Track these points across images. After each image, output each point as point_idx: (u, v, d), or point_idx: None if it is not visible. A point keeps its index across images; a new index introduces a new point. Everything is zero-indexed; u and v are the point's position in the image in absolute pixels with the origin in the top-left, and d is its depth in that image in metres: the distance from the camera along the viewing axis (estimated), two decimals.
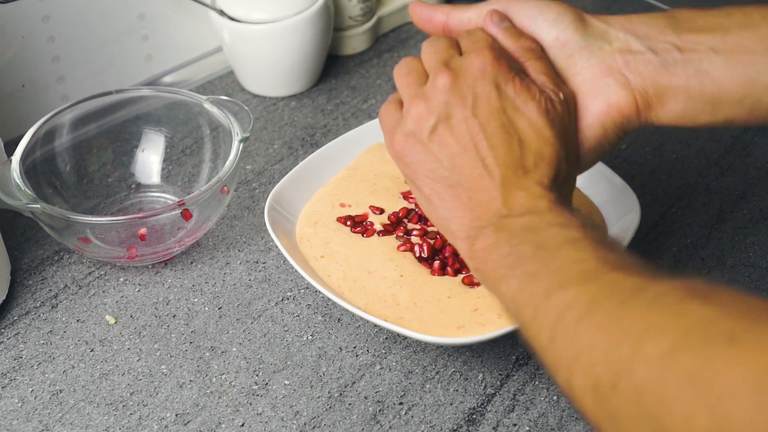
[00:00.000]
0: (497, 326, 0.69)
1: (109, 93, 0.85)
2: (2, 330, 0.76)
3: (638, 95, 0.64)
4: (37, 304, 0.78)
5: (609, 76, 0.64)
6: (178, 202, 0.76)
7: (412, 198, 0.78)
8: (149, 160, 0.87)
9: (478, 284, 0.72)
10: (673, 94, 0.64)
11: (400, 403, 0.71)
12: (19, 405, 0.71)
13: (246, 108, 0.82)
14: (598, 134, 0.64)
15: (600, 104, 0.64)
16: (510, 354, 0.74)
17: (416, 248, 0.75)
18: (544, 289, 0.53)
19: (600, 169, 0.79)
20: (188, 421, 0.70)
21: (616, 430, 0.46)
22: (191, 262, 0.82)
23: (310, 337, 0.75)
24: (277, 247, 0.80)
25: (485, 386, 0.72)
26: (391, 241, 0.76)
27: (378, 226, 0.77)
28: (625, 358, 0.46)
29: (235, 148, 0.79)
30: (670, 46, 0.63)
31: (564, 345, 0.50)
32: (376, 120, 0.84)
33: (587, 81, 0.64)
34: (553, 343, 0.51)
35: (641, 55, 0.63)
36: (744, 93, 0.63)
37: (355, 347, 0.75)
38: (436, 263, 0.74)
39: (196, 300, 0.79)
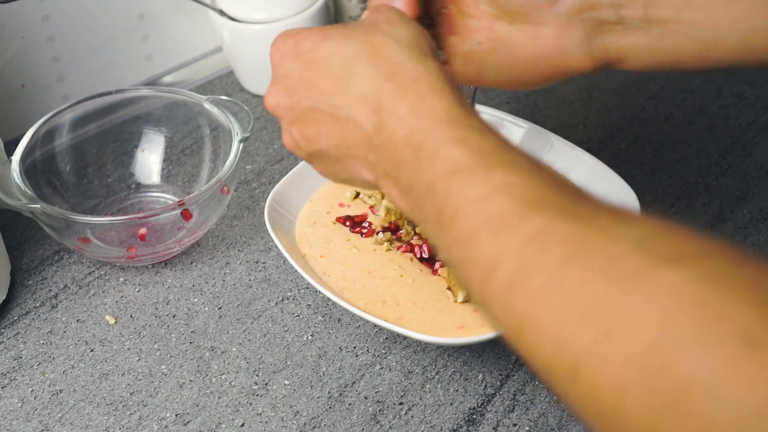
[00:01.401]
0: None
1: (109, 93, 0.85)
2: (2, 330, 0.76)
3: (596, 56, 0.63)
4: (37, 304, 0.78)
5: (568, 37, 0.63)
6: (178, 202, 0.76)
7: None
8: (149, 160, 0.87)
9: None
10: (634, 55, 0.63)
11: (400, 403, 0.71)
12: (19, 405, 0.71)
13: (246, 108, 0.82)
14: (547, 80, 0.64)
15: (554, 61, 0.63)
16: (510, 354, 0.74)
17: (416, 249, 0.74)
18: (456, 238, 0.46)
19: (600, 168, 0.79)
20: (188, 422, 0.70)
21: (575, 412, 0.40)
22: (191, 262, 0.82)
23: (310, 337, 0.75)
24: (276, 246, 0.79)
25: (485, 386, 0.72)
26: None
27: (377, 227, 0.77)
28: (588, 348, 0.38)
29: (235, 148, 0.79)
30: (637, 5, 0.62)
31: (508, 305, 0.42)
32: None
33: (548, 34, 0.63)
34: (485, 299, 0.44)
35: (606, 14, 0.62)
36: (706, 55, 0.62)
37: (355, 347, 0.75)
38: (437, 263, 0.74)
39: (196, 300, 0.79)
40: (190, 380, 0.72)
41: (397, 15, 0.57)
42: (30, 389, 0.72)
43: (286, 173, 0.80)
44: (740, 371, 0.34)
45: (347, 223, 0.77)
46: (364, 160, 0.55)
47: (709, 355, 0.35)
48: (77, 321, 0.77)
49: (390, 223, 0.76)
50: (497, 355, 0.74)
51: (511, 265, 0.42)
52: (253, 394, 0.71)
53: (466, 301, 0.70)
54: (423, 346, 0.74)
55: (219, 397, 0.71)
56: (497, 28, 0.64)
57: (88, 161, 0.86)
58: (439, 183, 0.47)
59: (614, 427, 0.38)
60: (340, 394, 0.71)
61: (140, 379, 0.73)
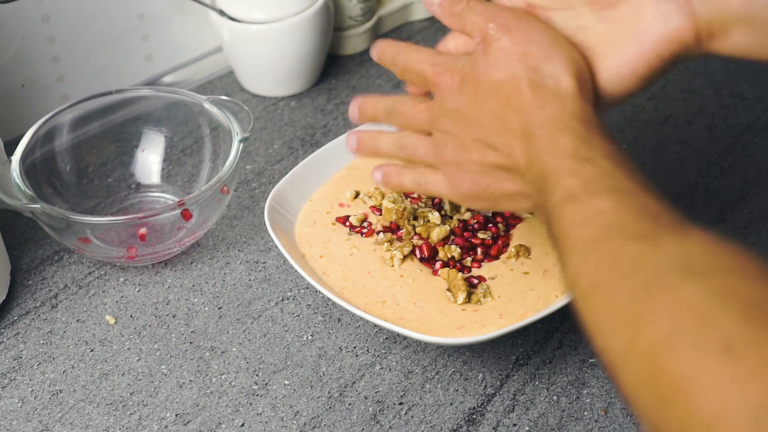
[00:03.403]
0: (497, 326, 0.68)
1: (109, 93, 0.85)
2: (2, 330, 0.76)
3: (701, 24, 0.60)
4: (37, 304, 0.78)
5: (670, 1, 0.60)
6: (178, 202, 0.76)
7: (413, 198, 0.78)
8: (149, 160, 0.87)
9: (477, 285, 0.72)
10: (738, 24, 0.60)
11: (400, 403, 0.71)
12: (19, 405, 0.71)
13: (246, 108, 0.82)
14: (652, 62, 0.61)
15: (657, 31, 0.61)
16: (510, 354, 0.74)
17: (416, 249, 0.74)
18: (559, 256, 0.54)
19: None
20: (188, 422, 0.70)
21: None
22: (191, 262, 0.82)
23: (310, 337, 0.75)
24: (276, 247, 0.79)
25: (485, 386, 0.72)
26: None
27: (377, 226, 0.77)
28: (623, 349, 0.45)
29: (235, 148, 0.79)
30: None
31: (584, 312, 0.50)
32: None
33: (646, 4, 0.61)
34: (579, 303, 0.51)
35: None
36: None
37: (355, 347, 0.75)
38: (437, 263, 0.74)
39: (196, 300, 0.79)
40: (190, 380, 0.72)
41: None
42: (30, 389, 0.72)
43: (286, 173, 0.79)
44: (714, 375, 0.39)
45: (347, 223, 0.77)
46: (518, 182, 0.63)
47: (695, 360, 0.40)
48: (77, 321, 0.77)
49: (390, 222, 0.76)
50: (497, 355, 0.74)
51: (588, 280, 0.50)
52: (253, 394, 0.71)
53: (466, 301, 0.70)
54: (423, 346, 0.74)
55: (219, 397, 0.71)
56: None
57: (88, 161, 0.86)
58: (556, 209, 0.56)
59: (641, 422, 0.44)
60: (340, 394, 0.71)
61: (140, 379, 0.73)
